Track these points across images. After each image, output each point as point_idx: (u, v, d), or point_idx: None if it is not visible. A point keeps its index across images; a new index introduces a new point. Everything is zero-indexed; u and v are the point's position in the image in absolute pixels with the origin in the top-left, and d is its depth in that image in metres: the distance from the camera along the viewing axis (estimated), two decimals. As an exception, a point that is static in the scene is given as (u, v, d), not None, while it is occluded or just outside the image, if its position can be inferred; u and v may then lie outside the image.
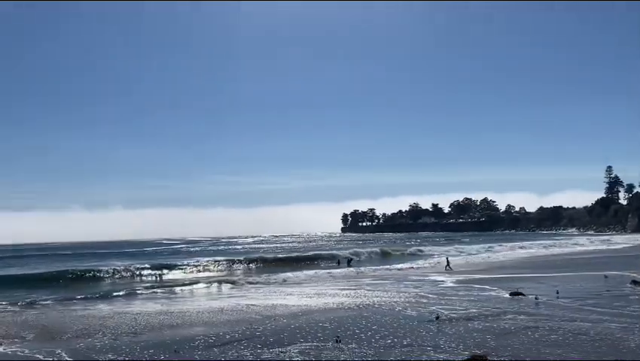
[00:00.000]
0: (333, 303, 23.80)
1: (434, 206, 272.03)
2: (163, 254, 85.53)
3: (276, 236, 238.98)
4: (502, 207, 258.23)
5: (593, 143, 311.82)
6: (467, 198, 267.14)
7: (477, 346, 14.23)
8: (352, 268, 44.79)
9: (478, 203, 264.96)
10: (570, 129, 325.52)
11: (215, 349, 14.71)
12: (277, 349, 14.32)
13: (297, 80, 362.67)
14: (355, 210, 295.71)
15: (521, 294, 23.93)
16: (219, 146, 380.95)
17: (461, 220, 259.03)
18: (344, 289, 29.57)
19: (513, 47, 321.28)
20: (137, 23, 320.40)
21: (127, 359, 14.04)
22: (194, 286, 33.29)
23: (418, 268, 44.27)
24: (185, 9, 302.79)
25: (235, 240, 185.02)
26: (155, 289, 31.53)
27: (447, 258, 45.33)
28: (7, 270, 50.89)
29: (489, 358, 12.81)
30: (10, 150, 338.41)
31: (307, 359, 13.22)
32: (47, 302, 27.08)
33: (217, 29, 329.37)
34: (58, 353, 15.20)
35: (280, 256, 65.26)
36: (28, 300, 27.61)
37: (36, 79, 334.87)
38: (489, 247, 70.56)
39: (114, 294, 29.79)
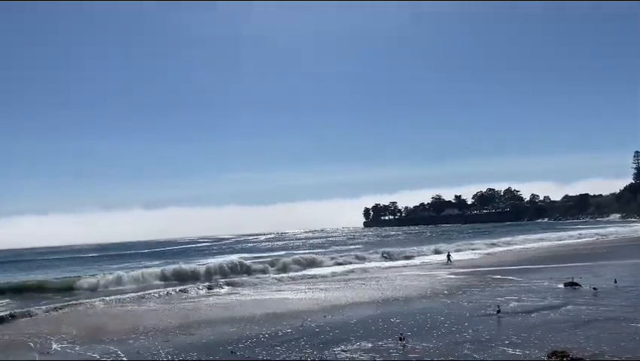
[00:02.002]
0: (378, 296, 23.13)
1: (457, 198, 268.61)
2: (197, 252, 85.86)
3: (297, 232, 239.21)
4: (526, 197, 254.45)
5: (614, 129, 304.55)
6: (490, 189, 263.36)
7: (548, 340, 13.38)
8: (387, 263, 44.06)
9: (502, 193, 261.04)
10: (588, 116, 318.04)
11: (278, 348, 14.09)
12: (339, 348, 13.62)
13: (311, 76, 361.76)
14: (377, 204, 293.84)
15: (576, 284, 22.90)
16: (235, 144, 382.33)
17: (485, 211, 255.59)
18: (385, 282, 28.90)
19: (534, 34, 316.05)
20: (146, 23, 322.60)
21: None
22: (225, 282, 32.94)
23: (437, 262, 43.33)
24: (197, 8, 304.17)
25: (255, 237, 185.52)
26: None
27: (449, 253, 44.30)
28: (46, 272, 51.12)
29: (569, 354, 12.00)
30: (25, 154, 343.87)
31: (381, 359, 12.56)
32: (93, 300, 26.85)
33: (228, 26, 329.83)
34: (113, 352, 14.87)
35: (318, 251, 64.81)
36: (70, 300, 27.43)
37: (53, 81, 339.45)
38: (525, 238, 68.22)
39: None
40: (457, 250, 50.44)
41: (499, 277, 28.81)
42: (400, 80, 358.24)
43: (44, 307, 24.42)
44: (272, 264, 41.71)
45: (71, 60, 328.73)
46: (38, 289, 32.44)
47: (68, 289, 31.72)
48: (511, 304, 19.12)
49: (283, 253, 73.17)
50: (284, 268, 39.94)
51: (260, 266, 40.49)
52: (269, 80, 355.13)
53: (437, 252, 49.98)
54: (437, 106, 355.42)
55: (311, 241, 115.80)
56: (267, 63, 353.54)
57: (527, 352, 12.41)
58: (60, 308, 24.41)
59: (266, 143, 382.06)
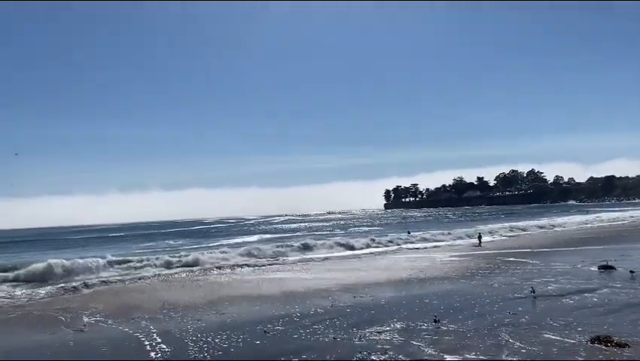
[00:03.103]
0: (405, 277, 22.84)
1: (479, 179, 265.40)
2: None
3: (318, 213, 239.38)
4: (550, 179, 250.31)
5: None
6: (513, 170, 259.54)
7: (587, 324, 12.92)
8: (413, 245, 43.72)
9: (525, 175, 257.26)
10: (613, 95, 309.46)
11: (315, 326, 13.90)
12: (372, 328, 13.37)
13: (333, 59, 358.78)
14: (398, 186, 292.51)
15: (612, 267, 22.28)
16: (256, 126, 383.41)
17: (507, 193, 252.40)
18: (412, 263, 28.60)
19: (559, 15, 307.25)
20: (180, 22, 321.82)
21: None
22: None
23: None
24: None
25: (276, 219, 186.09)
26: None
27: (480, 234, 43.44)
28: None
29: (613, 339, 11.56)
30: (47, 138, 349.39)
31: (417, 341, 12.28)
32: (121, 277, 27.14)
33: (254, 9, 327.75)
34: (145, 327, 14.98)
35: (339, 233, 64.26)
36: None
37: (72, 70, 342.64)
38: (552, 220, 66.45)
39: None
40: (486, 233, 49.52)
41: (529, 260, 28.20)
42: (421, 62, 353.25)
43: (71, 285, 24.81)
44: (291, 245, 41.56)
45: (98, 47, 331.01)
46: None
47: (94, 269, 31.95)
48: (548, 287, 18.65)
49: (303, 234, 73.14)
50: (304, 250, 39.78)
51: (281, 247, 40.45)
52: (292, 62, 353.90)
53: (465, 235, 49.03)
54: (459, 87, 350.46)
55: (333, 223, 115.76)
56: (291, 45, 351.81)
57: (567, 336, 11.98)
58: (87, 287, 24.72)
59: (288, 125, 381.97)
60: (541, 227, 56.42)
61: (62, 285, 24.86)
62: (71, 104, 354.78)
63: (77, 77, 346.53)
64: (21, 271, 28.38)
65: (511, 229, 53.92)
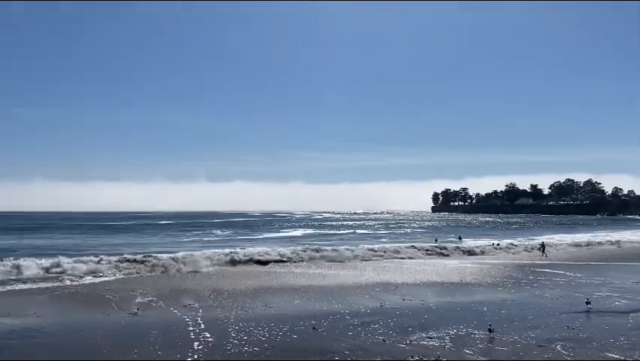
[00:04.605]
0: (458, 281, 22.29)
1: (533, 187, 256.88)
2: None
3: (366, 212, 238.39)
4: (608, 190, 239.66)
5: None
6: (569, 179, 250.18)
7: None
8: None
9: (581, 185, 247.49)
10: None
11: (372, 326, 13.82)
12: (424, 333, 13.06)
13: (388, 59, 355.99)
14: (447, 189, 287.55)
15: (678, 287, 20.99)
16: (304, 122, 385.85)
17: (562, 203, 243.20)
18: (462, 270, 27.93)
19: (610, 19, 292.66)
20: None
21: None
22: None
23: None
24: None
25: (322, 215, 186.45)
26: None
27: (543, 243, 41.40)
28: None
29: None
30: (94, 125, 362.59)
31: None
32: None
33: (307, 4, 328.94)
34: (195, 309, 15.26)
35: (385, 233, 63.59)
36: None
37: (131, 56, 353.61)
38: (618, 234, 63.03)
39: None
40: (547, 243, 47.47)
41: (588, 273, 26.93)
42: (473, 65, 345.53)
43: (130, 267, 25.72)
44: (334, 242, 41.23)
45: (148, 36, 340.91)
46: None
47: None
48: (609, 303, 17.74)
49: (347, 232, 72.93)
50: (348, 247, 39.33)
51: (324, 243, 40.24)
52: (344, 61, 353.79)
53: (521, 243, 46.88)
54: (514, 91, 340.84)
55: (378, 222, 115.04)
56: (343, 44, 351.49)
57: (632, 357, 11.26)
58: (151, 270, 25.67)
59: (337, 123, 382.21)
60: (603, 240, 53.48)
61: (121, 268, 25.77)
62: (126, 91, 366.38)
63: (137, 64, 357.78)
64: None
65: (572, 241, 51.32)
